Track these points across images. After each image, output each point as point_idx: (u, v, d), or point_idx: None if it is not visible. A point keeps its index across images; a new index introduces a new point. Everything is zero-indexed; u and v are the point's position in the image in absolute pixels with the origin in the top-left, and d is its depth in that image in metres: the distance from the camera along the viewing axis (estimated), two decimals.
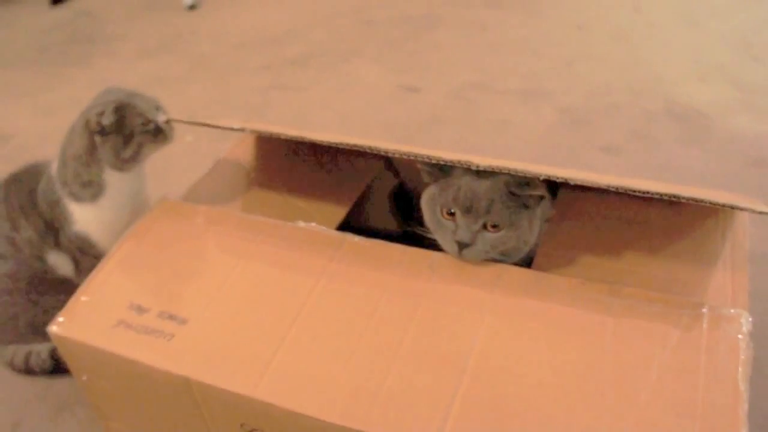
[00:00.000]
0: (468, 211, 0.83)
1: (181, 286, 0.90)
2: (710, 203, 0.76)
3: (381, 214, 1.23)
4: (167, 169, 1.07)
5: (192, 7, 2.57)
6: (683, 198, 0.76)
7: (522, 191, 0.83)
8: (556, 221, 0.94)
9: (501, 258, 0.85)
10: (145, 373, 0.82)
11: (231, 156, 1.15)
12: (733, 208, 0.83)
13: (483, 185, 0.84)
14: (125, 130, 1.01)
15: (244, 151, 1.16)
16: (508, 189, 0.83)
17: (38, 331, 1.14)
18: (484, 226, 0.83)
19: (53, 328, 0.87)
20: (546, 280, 0.83)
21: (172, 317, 0.85)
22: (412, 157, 0.86)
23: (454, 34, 2.17)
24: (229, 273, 0.90)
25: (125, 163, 1.03)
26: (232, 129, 0.97)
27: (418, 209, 0.92)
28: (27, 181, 1.09)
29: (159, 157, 1.07)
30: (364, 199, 1.14)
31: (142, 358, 0.81)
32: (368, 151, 0.89)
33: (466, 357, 0.75)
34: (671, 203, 0.91)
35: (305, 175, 1.11)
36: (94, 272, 0.93)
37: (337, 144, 0.92)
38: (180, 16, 2.54)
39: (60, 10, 2.75)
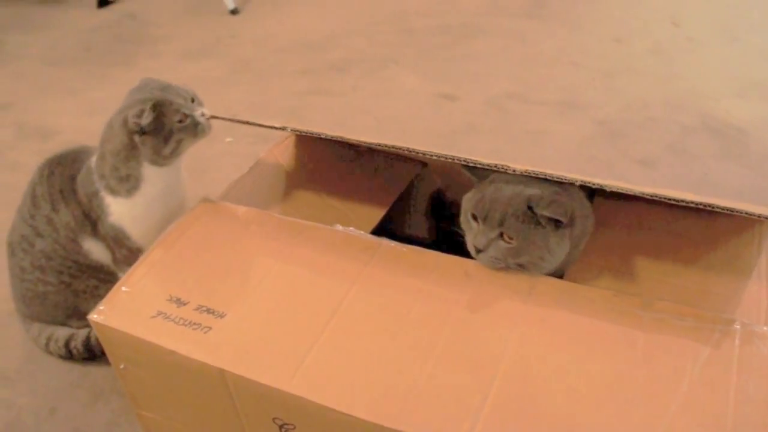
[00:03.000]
0: (486, 219, 0.85)
1: (220, 283, 0.92)
2: (746, 214, 0.76)
3: (417, 218, 1.24)
4: (206, 168, 1.10)
5: (234, 12, 2.61)
6: (718, 208, 0.76)
7: (539, 210, 0.83)
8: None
9: (521, 269, 0.86)
10: (182, 364, 0.84)
11: (270, 156, 1.17)
12: None
13: (504, 196, 0.85)
14: (164, 129, 1.03)
15: (283, 153, 1.18)
16: (527, 205, 0.84)
17: (67, 312, 1.18)
18: (501, 235, 0.85)
19: (94, 317, 0.90)
20: (579, 291, 0.83)
21: (210, 311, 0.87)
22: (450, 160, 0.88)
23: (492, 43, 2.18)
24: (267, 272, 0.92)
25: (165, 159, 1.05)
26: (273, 128, 1.00)
27: (456, 213, 0.94)
28: (69, 165, 1.12)
29: (198, 157, 1.10)
30: (401, 202, 1.15)
31: (180, 348, 0.83)
32: (407, 154, 0.90)
33: (497, 363, 0.76)
34: (706, 215, 0.91)
35: (343, 177, 1.13)
36: (135, 265, 0.96)
37: (376, 145, 0.94)
38: (222, 20, 2.59)
39: (106, 12, 2.81)
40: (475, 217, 0.87)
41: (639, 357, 0.75)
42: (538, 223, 0.85)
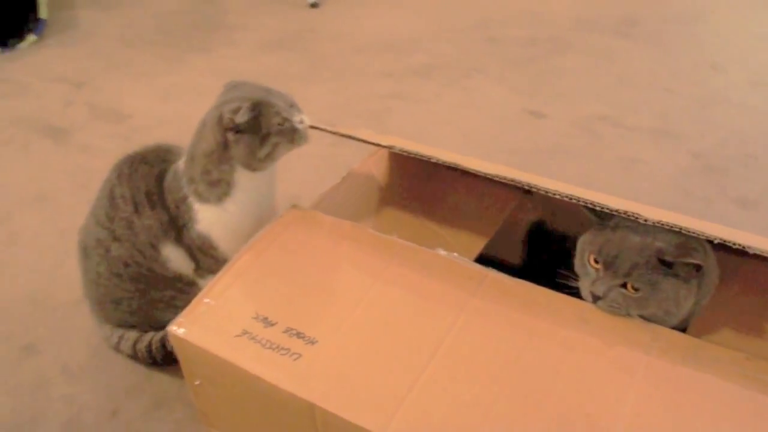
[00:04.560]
0: (609, 266, 0.80)
1: (311, 302, 0.85)
2: None
3: (512, 243, 1.16)
4: (281, 168, 1.03)
5: (314, 5, 2.56)
6: None
7: (676, 258, 0.78)
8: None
9: (642, 320, 0.80)
10: (267, 391, 0.78)
11: (363, 168, 1.11)
12: None
13: (632, 244, 0.80)
14: (262, 130, 0.97)
15: (377, 164, 1.12)
16: (659, 257, 0.78)
17: (141, 320, 1.12)
18: (624, 285, 0.79)
19: (173, 329, 0.84)
20: (707, 350, 0.76)
21: (300, 335, 0.81)
22: (573, 200, 0.80)
23: (581, 61, 2.09)
24: (364, 294, 0.85)
25: (260, 162, 0.99)
26: (378, 145, 0.93)
27: (557, 244, 0.87)
28: (156, 164, 1.06)
29: None
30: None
31: (266, 375, 0.77)
32: (519, 185, 0.83)
33: (614, 421, 0.69)
34: None
35: (441, 198, 1.06)
36: (218, 275, 0.90)
37: (484, 174, 0.87)
38: (302, 13, 2.53)
39: None
40: (596, 261, 0.81)
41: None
42: (668, 274, 0.78)
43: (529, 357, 0.76)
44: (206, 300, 0.87)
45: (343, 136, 0.96)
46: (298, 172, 1.51)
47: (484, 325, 0.80)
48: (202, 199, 1.01)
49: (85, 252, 1.12)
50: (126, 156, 1.08)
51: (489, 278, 0.85)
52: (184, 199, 1.02)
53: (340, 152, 1.56)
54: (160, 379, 1.14)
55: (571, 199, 0.80)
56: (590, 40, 2.21)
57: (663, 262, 0.78)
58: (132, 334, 1.13)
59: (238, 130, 0.96)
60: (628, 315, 0.80)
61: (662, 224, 0.77)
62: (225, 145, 0.98)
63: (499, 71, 2.04)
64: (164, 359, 1.11)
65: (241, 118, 0.95)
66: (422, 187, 1.08)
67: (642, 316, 0.80)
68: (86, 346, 1.21)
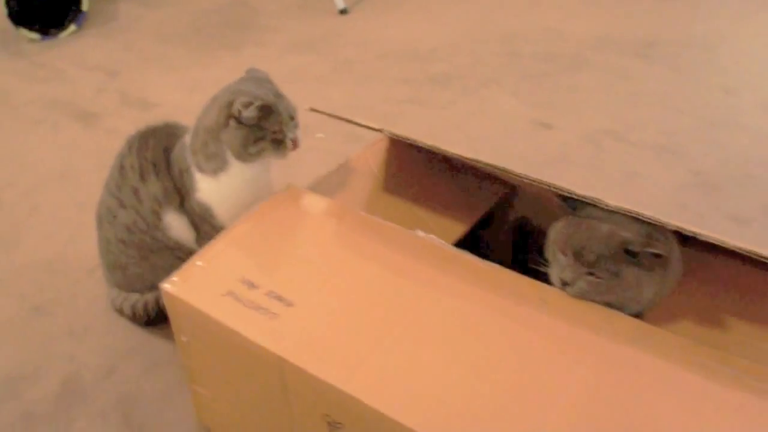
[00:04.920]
0: (576, 256, 0.84)
1: (294, 270, 0.92)
2: None
3: (502, 243, 1.22)
4: (292, 162, 1.10)
5: (343, 12, 2.64)
6: None
7: (640, 247, 0.82)
8: None
9: (607, 307, 0.84)
10: (243, 346, 0.84)
11: (361, 157, 1.17)
12: None
13: (599, 234, 0.84)
14: (259, 131, 1.05)
15: (374, 155, 1.18)
16: (624, 247, 0.82)
17: (145, 284, 1.20)
18: (590, 273, 0.83)
19: (166, 286, 0.91)
20: (656, 334, 0.80)
21: (279, 298, 0.87)
22: (541, 185, 0.86)
23: (596, 78, 2.13)
24: (343, 266, 0.91)
25: (247, 156, 1.06)
26: (369, 128, 1.00)
27: (541, 243, 0.92)
28: (164, 138, 1.14)
29: None
30: (490, 224, 1.13)
31: (244, 330, 0.84)
32: (498, 174, 0.89)
33: (561, 393, 0.74)
34: None
35: (431, 188, 1.12)
36: (213, 241, 0.97)
37: (469, 160, 0.92)
38: (330, 19, 2.62)
39: None
40: (563, 251, 0.86)
41: (710, 412, 0.71)
42: (632, 263, 0.83)
43: (487, 329, 0.81)
44: (198, 263, 0.94)
45: (340, 119, 1.02)
46: (308, 166, 1.58)
47: (449, 299, 0.85)
48: (202, 170, 1.09)
49: (99, 221, 1.20)
50: (137, 131, 1.16)
51: (462, 260, 0.90)
52: (188, 168, 1.10)
53: (352, 149, 1.62)
54: (156, 343, 1.21)
55: (538, 183, 0.85)
56: (608, 58, 2.25)
57: (628, 252, 0.82)
58: (133, 296, 1.20)
59: (240, 121, 1.04)
60: (593, 301, 0.84)
61: (629, 213, 0.81)
62: (225, 126, 1.05)
63: (515, 83, 2.09)
64: (157, 317, 1.18)
65: (248, 113, 1.02)
66: (414, 178, 1.13)
67: (608, 303, 0.84)
68: (93, 310, 1.28)
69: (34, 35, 2.44)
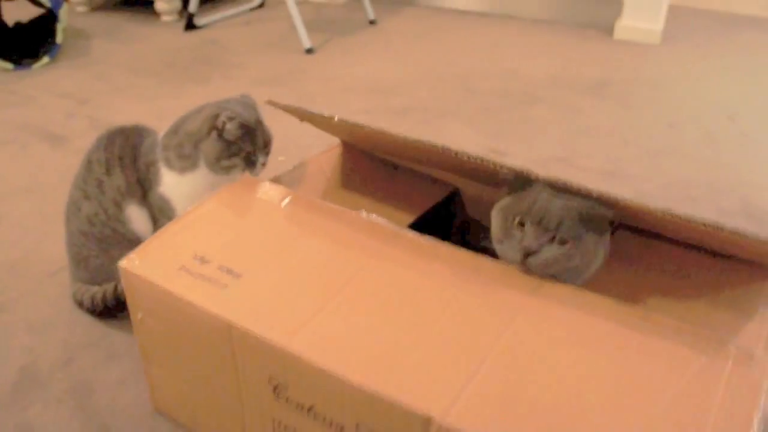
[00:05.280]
0: (539, 222, 0.87)
1: (244, 247, 0.97)
2: (754, 238, 0.78)
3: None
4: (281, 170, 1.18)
5: (309, 51, 2.74)
6: (726, 230, 0.78)
7: (594, 212, 0.87)
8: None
9: (558, 278, 0.88)
10: (195, 316, 0.89)
11: (314, 160, 1.24)
12: None
13: (557, 204, 0.88)
14: (233, 147, 1.13)
15: (328, 159, 1.25)
16: (580, 212, 0.87)
17: (105, 277, 1.24)
18: (551, 239, 0.87)
19: (123, 263, 0.96)
20: (584, 295, 0.85)
21: (229, 271, 0.92)
22: (489, 165, 0.93)
23: (548, 112, 2.24)
24: (290, 242, 0.97)
25: (218, 168, 1.14)
26: (321, 115, 1.07)
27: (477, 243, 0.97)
28: (132, 136, 1.21)
29: None
30: (432, 226, 1.20)
31: (195, 300, 0.88)
32: (462, 157, 0.95)
33: (491, 346, 0.79)
34: (720, 263, 0.93)
35: (380, 186, 1.19)
36: (168, 224, 1.02)
37: (414, 142, 1.00)
38: (297, 57, 2.72)
39: (191, 36, 2.98)
40: (521, 224, 0.89)
41: (632, 357, 0.77)
42: (588, 228, 0.88)
43: (423, 295, 0.87)
44: (154, 243, 0.99)
45: (293, 113, 1.10)
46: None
47: (390, 268, 0.91)
48: (170, 165, 1.15)
49: (66, 216, 1.25)
50: (107, 130, 1.23)
51: (403, 235, 0.96)
52: (155, 162, 1.17)
53: None
54: (114, 336, 1.24)
55: (489, 163, 0.92)
56: (561, 96, 2.37)
57: (582, 219, 0.87)
58: (93, 288, 1.24)
59: (221, 134, 1.12)
60: (551, 274, 0.88)
61: (575, 188, 0.88)
62: (207, 136, 1.14)
63: (471, 116, 2.19)
64: (115, 306, 1.22)
65: (230, 128, 1.11)
66: (364, 177, 1.20)
67: (567, 270, 0.88)
68: (53, 308, 1.31)
69: (8, 65, 2.50)
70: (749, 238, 0.78)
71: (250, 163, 1.15)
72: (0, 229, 1.57)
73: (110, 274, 1.22)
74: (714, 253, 0.97)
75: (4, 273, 1.42)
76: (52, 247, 1.48)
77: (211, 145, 1.13)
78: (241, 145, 1.13)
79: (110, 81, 2.48)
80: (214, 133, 1.13)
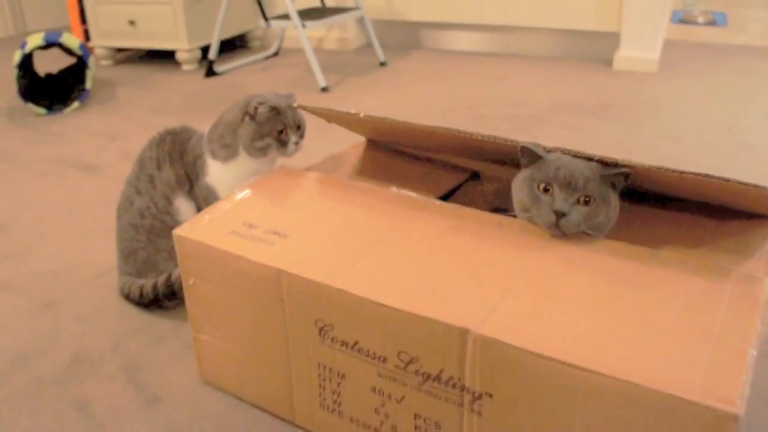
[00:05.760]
0: (567, 185, 0.93)
1: (288, 215, 1.07)
2: (755, 186, 0.87)
3: None
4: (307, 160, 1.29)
5: (324, 89, 2.88)
6: (733, 181, 0.87)
7: (611, 171, 0.95)
8: None
9: (589, 233, 0.95)
10: (245, 269, 0.98)
11: (342, 154, 1.35)
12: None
13: (579, 165, 0.95)
14: (265, 128, 1.24)
15: (355, 152, 1.36)
16: (600, 172, 0.94)
17: (151, 268, 1.33)
18: (578, 201, 0.93)
19: (177, 231, 1.05)
20: (597, 241, 0.94)
21: (276, 233, 1.02)
22: (504, 143, 1.03)
23: (555, 132, 2.35)
24: (330, 210, 1.08)
25: (253, 150, 1.25)
26: (348, 113, 1.18)
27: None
28: (181, 134, 1.33)
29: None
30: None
31: (246, 254, 0.98)
32: (476, 137, 1.05)
33: (518, 276, 0.88)
34: (716, 219, 1.02)
35: (404, 172, 1.29)
36: (217, 202, 1.12)
37: (432, 128, 1.10)
38: (313, 95, 2.86)
39: (211, 81, 3.14)
40: (546, 190, 0.95)
41: (643, 282, 0.86)
42: (608, 185, 0.95)
43: (454, 242, 0.96)
44: (206, 216, 1.09)
45: (320, 114, 1.22)
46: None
47: (420, 226, 1.00)
48: (214, 156, 1.27)
49: (118, 212, 1.36)
50: (158, 132, 1.35)
51: (431, 204, 1.06)
52: (201, 155, 1.28)
53: None
54: (160, 322, 1.33)
55: (511, 143, 1.02)
56: (566, 118, 2.48)
57: (603, 178, 0.94)
58: (141, 281, 1.33)
59: (253, 117, 1.23)
60: (583, 231, 0.94)
61: (583, 155, 0.97)
62: (241, 122, 1.25)
63: None
64: (166, 295, 1.30)
65: (260, 110, 1.23)
66: (388, 166, 1.30)
67: (591, 228, 0.94)
68: (99, 304, 1.41)
69: (41, 110, 2.64)
70: (743, 185, 0.87)
71: (282, 143, 1.25)
72: (44, 244, 1.67)
73: (156, 265, 1.32)
74: (711, 210, 1.05)
75: (52, 277, 1.51)
76: (94, 256, 1.58)
77: (245, 129, 1.24)
78: (272, 125, 1.24)
79: (137, 121, 2.61)
80: (246, 118, 1.24)
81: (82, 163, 2.19)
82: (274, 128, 1.24)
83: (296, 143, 1.27)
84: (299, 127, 1.28)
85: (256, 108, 1.23)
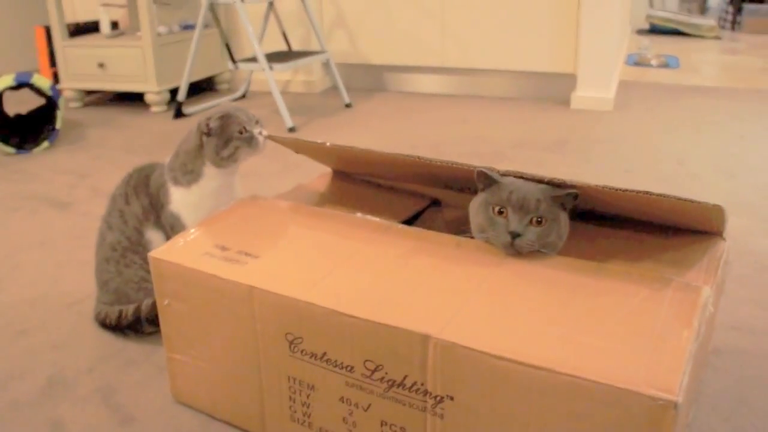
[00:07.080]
0: (520, 208, 1.00)
1: (258, 238, 1.12)
2: (694, 202, 0.95)
3: None
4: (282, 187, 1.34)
5: (291, 130, 2.96)
6: (672, 197, 0.96)
7: (561, 192, 1.02)
8: None
9: (543, 251, 1.01)
10: (218, 286, 1.03)
11: (309, 183, 1.42)
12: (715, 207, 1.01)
13: (531, 188, 1.02)
14: (225, 135, 1.30)
15: (321, 182, 1.42)
16: (549, 194, 1.02)
17: (121, 297, 1.37)
18: (531, 222, 1.00)
19: (153, 254, 1.10)
20: (547, 257, 1.02)
21: (247, 254, 1.07)
22: (462, 167, 1.10)
23: (514, 167, 2.41)
24: (298, 234, 1.14)
25: (222, 160, 1.30)
26: (314, 142, 1.25)
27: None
28: (146, 169, 1.39)
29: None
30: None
31: (218, 273, 1.03)
32: (436, 163, 1.13)
33: (475, 289, 0.94)
34: (660, 234, 1.10)
35: (369, 199, 1.35)
36: (190, 229, 1.17)
37: (394, 155, 1.17)
38: (279, 134, 2.92)
39: (180, 122, 3.19)
40: (501, 212, 1.02)
41: (589, 292, 0.93)
42: (559, 207, 1.02)
43: (416, 261, 1.03)
44: (180, 240, 1.14)
45: (288, 145, 1.28)
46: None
47: (384, 248, 1.07)
48: (176, 183, 1.32)
49: (96, 249, 1.41)
50: (131, 169, 1.40)
51: (394, 227, 1.13)
52: (164, 184, 1.33)
53: None
54: (132, 347, 1.36)
55: (466, 167, 1.09)
56: (526, 154, 2.58)
57: (554, 200, 1.01)
58: (119, 307, 1.37)
59: (209, 134, 1.29)
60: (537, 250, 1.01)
61: (535, 178, 1.04)
62: (200, 146, 1.30)
63: None
64: (149, 319, 1.34)
65: (213, 124, 1.29)
66: (354, 195, 1.37)
67: (544, 246, 1.01)
68: (73, 331, 1.44)
69: (10, 149, 2.67)
70: (680, 200, 0.96)
71: (248, 140, 1.30)
72: (18, 274, 1.70)
73: (126, 295, 1.36)
74: (655, 228, 1.13)
75: (25, 307, 1.54)
76: (67, 286, 1.61)
77: (208, 147, 1.30)
78: (230, 129, 1.29)
79: (107, 159, 2.65)
80: (204, 138, 1.30)
81: (52, 199, 2.22)
82: (234, 131, 1.29)
83: (260, 133, 1.33)
84: (257, 122, 1.34)
85: (207, 125, 1.28)
